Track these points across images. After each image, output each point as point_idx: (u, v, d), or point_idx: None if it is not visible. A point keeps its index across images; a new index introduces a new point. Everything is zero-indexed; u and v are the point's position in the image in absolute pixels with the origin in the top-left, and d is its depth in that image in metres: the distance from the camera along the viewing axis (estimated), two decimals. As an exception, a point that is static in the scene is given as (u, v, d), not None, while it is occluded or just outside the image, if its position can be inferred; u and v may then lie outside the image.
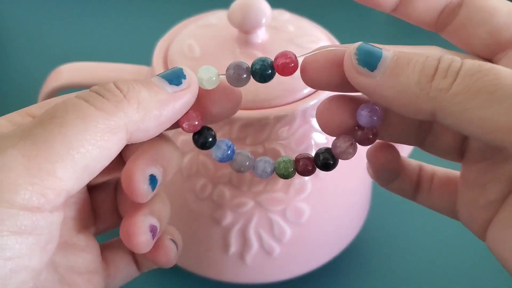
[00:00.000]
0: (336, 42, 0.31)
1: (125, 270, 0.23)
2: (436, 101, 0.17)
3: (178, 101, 0.19)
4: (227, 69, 0.21)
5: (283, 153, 0.27)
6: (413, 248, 0.36)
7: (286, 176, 0.22)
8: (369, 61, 0.18)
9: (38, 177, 0.16)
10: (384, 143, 0.24)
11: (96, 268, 0.22)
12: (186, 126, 0.20)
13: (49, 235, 0.17)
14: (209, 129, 0.21)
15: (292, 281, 0.32)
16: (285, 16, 0.32)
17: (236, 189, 0.28)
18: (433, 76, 0.17)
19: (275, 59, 0.21)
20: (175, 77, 0.19)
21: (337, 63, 0.20)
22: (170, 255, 0.22)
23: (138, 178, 0.19)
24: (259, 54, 0.28)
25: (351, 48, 0.19)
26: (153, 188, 0.20)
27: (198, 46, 0.29)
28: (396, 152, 0.24)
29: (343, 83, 0.20)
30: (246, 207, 0.28)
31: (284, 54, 0.20)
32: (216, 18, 0.31)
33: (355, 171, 0.30)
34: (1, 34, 0.56)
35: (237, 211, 0.28)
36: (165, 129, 0.19)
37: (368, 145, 0.21)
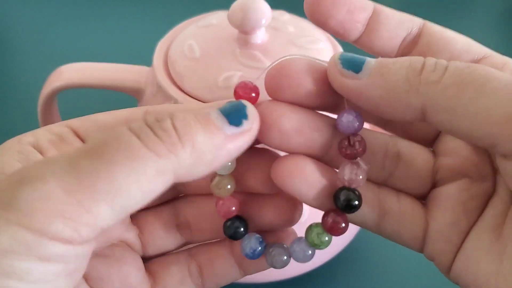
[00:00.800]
0: (336, 43, 0.31)
1: (178, 287, 0.22)
2: (426, 96, 0.17)
3: (234, 144, 0.17)
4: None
5: (283, 153, 0.27)
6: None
7: (324, 247, 0.20)
8: (354, 63, 0.18)
9: (75, 213, 0.15)
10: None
11: (136, 284, 0.21)
12: (221, 210, 0.20)
13: (77, 264, 0.16)
14: (242, 219, 0.20)
15: (291, 281, 0.32)
16: (285, 16, 0.32)
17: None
18: (421, 71, 0.17)
19: (235, 94, 0.20)
20: (236, 116, 0.18)
21: (311, 71, 0.19)
22: None
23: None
24: (259, 55, 0.28)
25: (334, 54, 0.19)
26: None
27: (198, 47, 0.29)
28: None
29: (317, 94, 0.19)
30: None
31: (241, 87, 0.20)
32: (216, 18, 0.31)
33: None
34: (1, 34, 0.56)
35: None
36: (211, 171, 0.18)
37: (359, 155, 0.19)
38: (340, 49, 0.31)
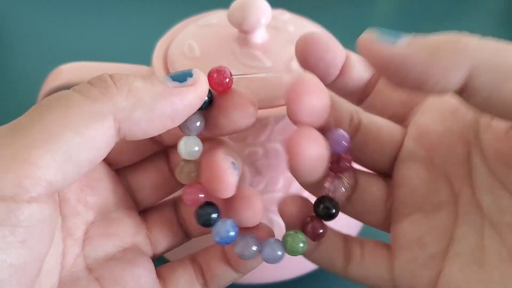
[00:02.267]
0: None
1: None
2: (475, 54, 0.16)
3: (178, 97, 0.18)
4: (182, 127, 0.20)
5: (283, 153, 0.27)
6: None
7: (296, 253, 0.20)
8: (391, 34, 0.17)
9: (13, 165, 0.14)
10: (298, 196, 0.23)
11: (148, 285, 0.21)
12: (189, 198, 0.20)
13: (29, 229, 0.15)
14: (213, 205, 0.20)
15: (292, 281, 0.32)
16: (285, 16, 0.32)
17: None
18: (461, 38, 0.17)
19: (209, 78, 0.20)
20: (180, 75, 0.18)
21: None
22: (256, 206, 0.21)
23: (224, 165, 0.18)
24: (259, 54, 0.28)
25: (365, 33, 0.18)
26: (236, 179, 0.19)
27: (198, 46, 0.29)
28: (309, 204, 0.22)
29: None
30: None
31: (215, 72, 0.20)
32: (216, 18, 0.31)
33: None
34: (1, 34, 0.56)
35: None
36: (163, 128, 0.18)
37: (345, 171, 0.21)
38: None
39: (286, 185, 0.28)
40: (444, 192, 0.21)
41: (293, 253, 0.20)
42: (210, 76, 0.19)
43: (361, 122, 0.22)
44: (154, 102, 0.17)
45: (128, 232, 0.22)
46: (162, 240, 0.23)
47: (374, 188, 0.23)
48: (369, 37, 0.18)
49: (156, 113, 0.17)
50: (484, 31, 0.58)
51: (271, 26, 0.30)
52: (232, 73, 0.20)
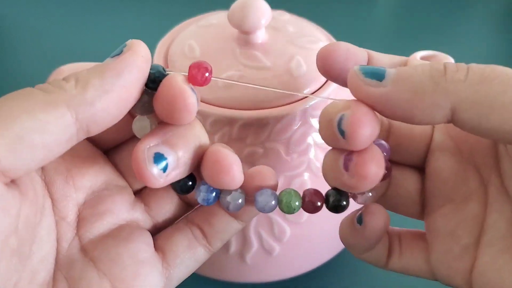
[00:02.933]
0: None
1: (188, 252, 0.22)
2: (454, 94, 0.17)
3: (121, 66, 0.18)
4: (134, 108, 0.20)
5: (283, 153, 0.28)
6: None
7: (288, 211, 0.21)
8: (376, 73, 0.18)
9: None
10: (379, 206, 0.22)
11: (147, 259, 0.21)
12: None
13: None
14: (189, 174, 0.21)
15: (292, 280, 0.32)
16: (285, 16, 0.32)
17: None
18: (445, 71, 0.17)
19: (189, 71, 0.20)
20: (116, 50, 0.19)
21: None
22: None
23: (140, 156, 0.18)
24: (259, 55, 0.28)
25: (354, 68, 0.19)
26: (164, 170, 0.19)
27: (198, 47, 0.29)
28: (388, 217, 0.23)
29: None
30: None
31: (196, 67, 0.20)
32: (216, 18, 0.31)
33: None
34: (1, 34, 0.56)
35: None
36: (122, 105, 0.18)
37: (385, 180, 0.21)
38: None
39: (286, 185, 0.28)
40: (473, 182, 0.21)
41: (287, 209, 0.21)
42: (190, 71, 0.20)
43: (391, 123, 0.23)
44: (101, 80, 0.18)
45: (122, 208, 0.22)
46: (161, 213, 0.23)
47: (408, 182, 0.23)
48: (356, 77, 0.19)
49: (106, 88, 0.18)
50: (483, 31, 0.58)
51: (271, 27, 0.30)
52: (249, 83, 0.21)
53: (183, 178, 0.20)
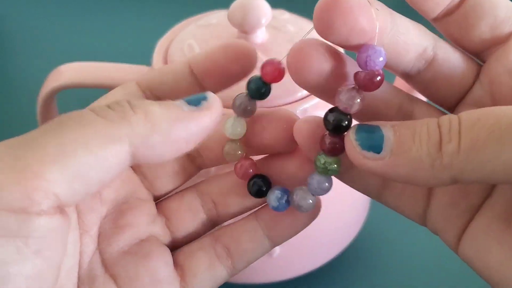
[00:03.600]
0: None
1: (208, 272, 0.21)
2: (452, 168, 0.16)
3: (194, 122, 0.18)
4: (233, 105, 0.20)
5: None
6: (412, 248, 0.36)
7: (331, 172, 0.20)
8: (373, 144, 0.18)
9: (23, 177, 0.15)
10: (312, 116, 0.21)
11: (165, 278, 0.20)
12: (239, 173, 0.20)
13: (43, 240, 0.15)
14: (263, 176, 0.21)
15: (292, 281, 0.32)
16: (285, 16, 0.32)
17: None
18: (440, 144, 0.17)
19: (261, 69, 0.20)
20: (195, 99, 0.18)
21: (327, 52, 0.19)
22: None
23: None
24: (259, 54, 0.28)
25: (350, 134, 0.18)
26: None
27: (198, 46, 0.29)
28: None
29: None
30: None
31: (268, 63, 0.20)
32: (216, 18, 0.31)
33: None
34: (1, 34, 0.56)
35: (237, 211, 0.28)
36: (177, 152, 0.18)
37: (375, 89, 0.19)
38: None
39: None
40: None
41: (327, 172, 0.20)
42: (262, 68, 0.20)
43: (435, 57, 0.20)
44: (170, 127, 0.17)
45: (142, 222, 0.21)
46: (183, 229, 0.22)
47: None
48: (353, 149, 0.18)
49: (172, 138, 0.17)
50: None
51: (271, 26, 0.30)
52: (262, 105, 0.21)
53: (259, 181, 0.21)
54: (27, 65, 0.52)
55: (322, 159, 0.20)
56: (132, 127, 0.17)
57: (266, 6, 0.28)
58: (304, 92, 0.27)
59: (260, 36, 0.29)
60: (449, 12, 0.20)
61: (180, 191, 0.23)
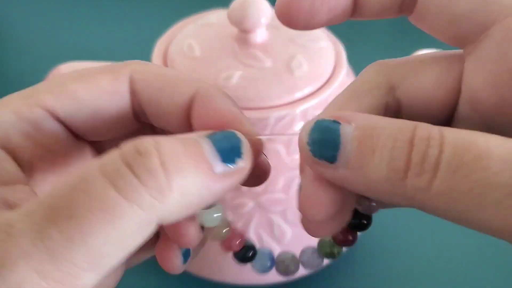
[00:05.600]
0: (336, 41, 0.31)
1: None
2: (415, 201, 0.14)
3: (222, 185, 0.15)
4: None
5: (284, 154, 0.27)
6: (413, 249, 0.36)
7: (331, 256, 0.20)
8: (326, 153, 0.15)
9: None
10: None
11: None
12: (229, 249, 0.20)
13: None
14: (250, 247, 0.20)
15: (292, 281, 0.32)
16: (285, 15, 0.31)
17: (236, 189, 0.28)
18: (406, 172, 0.14)
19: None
20: (229, 153, 0.15)
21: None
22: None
23: (172, 257, 0.17)
24: (259, 54, 0.28)
25: (303, 135, 0.15)
26: (185, 261, 0.18)
27: (198, 46, 0.29)
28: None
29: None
30: (246, 207, 0.28)
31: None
32: (216, 17, 0.31)
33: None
34: (1, 33, 0.56)
35: (237, 212, 0.28)
36: (189, 214, 0.16)
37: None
38: (341, 47, 0.30)
39: (286, 186, 0.28)
40: None
41: (334, 256, 0.20)
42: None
43: (401, 104, 0.18)
44: (201, 198, 0.15)
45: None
46: None
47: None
48: (306, 154, 0.15)
49: (197, 208, 0.15)
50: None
51: (271, 26, 0.30)
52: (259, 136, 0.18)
53: (247, 253, 0.20)
54: (26, 65, 0.52)
55: (329, 246, 0.20)
56: (166, 209, 0.14)
57: (266, 5, 0.27)
58: (305, 92, 0.27)
59: (260, 35, 0.28)
60: (409, 8, 0.18)
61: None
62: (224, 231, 0.19)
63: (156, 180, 0.14)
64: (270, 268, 0.20)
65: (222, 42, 0.29)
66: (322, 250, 0.20)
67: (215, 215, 0.18)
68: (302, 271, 0.21)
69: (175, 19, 0.33)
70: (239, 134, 0.16)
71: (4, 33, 0.57)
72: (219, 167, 0.15)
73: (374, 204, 0.18)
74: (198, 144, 0.15)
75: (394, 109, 0.18)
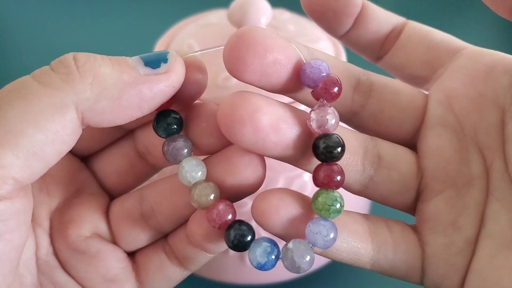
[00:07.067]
0: (336, 41, 0.31)
1: (160, 272, 0.20)
2: None
3: (148, 85, 0.16)
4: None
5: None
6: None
7: (333, 214, 0.17)
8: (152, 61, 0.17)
9: None
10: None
11: (118, 276, 0.20)
12: (214, 220, 0.17)
13: (4, 223, 0.15)
14: (245, 224, 0.17)
15: (292, 281, 0.32)
16: (285, 15, 0.31)
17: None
18: None
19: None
20: (154, 60, 0.17)
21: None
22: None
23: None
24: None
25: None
26: None
27: (198, 46, 0.29)
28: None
29: None
30: (245, 207, 0.28)
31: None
32: (216, 17, 0.31)
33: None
34: (1, 33, 0.56)
35: (237, 212, 0.28)
36: (130, 117, 0.17)
37: (338, 93, 0.17)
38: (341, 47, 0.30)
39: (286, 185, 0.28)
40: (476, 165, 0.19)
41: (328, 213, 0.17)
42: None
43: (372, 85, 0.19)
44: (121, 92, 0.16)
45: (87, 219, 0.20)
46: (125, 235, 0.21)
47: (402, 163, 0.19)
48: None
49: (123, 104, 0.16)
50: (483, 32, 0.57)
51: (271, 26, 0.30)
52: (190, 52, 0.19)
53: (240, 230, 0.17)
54: (26, 64, 0.51)
55: (322, 198, 0.16)
56: (78, 93, 0.15)
57: (266, 6, 0.27)
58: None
59: (260, 35, 0.28)
60: (390, 45, 0.21)
61: (126, 194, 0.21)
62: (211, 196, 0.17)
63: (66, 67, 0.16)
64: (275, 261, 0.16)
65: (222, 42, 0.29)
66: (321, 211, 0.17)
67: (199, 173, 0.17)
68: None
69: (175, 19, 0.33)
70: (170, 50, 0.17)
71: (4, 33, 0.57)
72: (143, 69, 0.16)
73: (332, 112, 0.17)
74: (124, 57, 0.17)
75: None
